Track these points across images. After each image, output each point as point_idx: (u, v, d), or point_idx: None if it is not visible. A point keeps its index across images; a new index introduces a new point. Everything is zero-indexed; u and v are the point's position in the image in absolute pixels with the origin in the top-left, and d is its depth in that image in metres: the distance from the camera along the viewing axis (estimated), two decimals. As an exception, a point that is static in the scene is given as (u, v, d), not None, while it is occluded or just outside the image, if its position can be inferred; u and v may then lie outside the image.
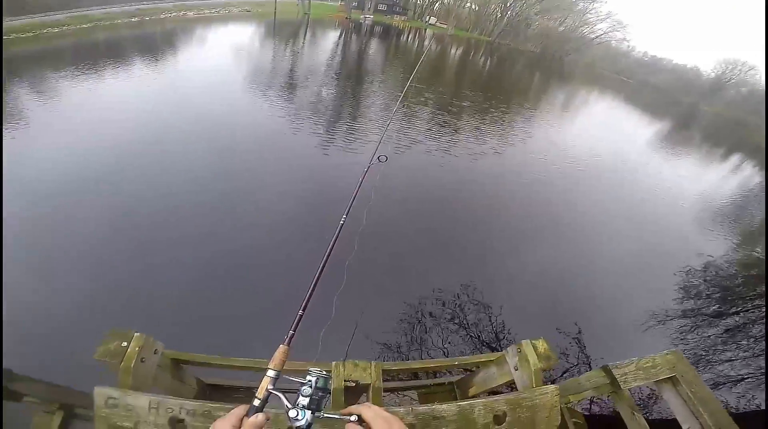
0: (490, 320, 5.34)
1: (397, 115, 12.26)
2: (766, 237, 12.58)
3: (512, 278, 6.43)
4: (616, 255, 8.04)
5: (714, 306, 7.61)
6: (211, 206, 6.47)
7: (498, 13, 73.71)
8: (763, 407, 5.18)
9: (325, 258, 1.49)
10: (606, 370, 2.83)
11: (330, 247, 1.56)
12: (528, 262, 6.93)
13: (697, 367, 5.77)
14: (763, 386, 5.67)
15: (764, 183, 20.14)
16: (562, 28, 74.88)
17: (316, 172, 8.19)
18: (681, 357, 3.00)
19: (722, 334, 6.82)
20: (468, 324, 5.18)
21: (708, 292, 7.96)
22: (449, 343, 4.87)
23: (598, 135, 17.99)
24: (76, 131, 8.41)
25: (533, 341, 2.63)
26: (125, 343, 1.98)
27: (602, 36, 75.95)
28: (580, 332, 5.43)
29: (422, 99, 14.70)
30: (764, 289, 8.87)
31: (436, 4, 74.45)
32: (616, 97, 43.40)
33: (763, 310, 8.18)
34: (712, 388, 5.17)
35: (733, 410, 5.09)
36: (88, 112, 9.69)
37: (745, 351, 6.52)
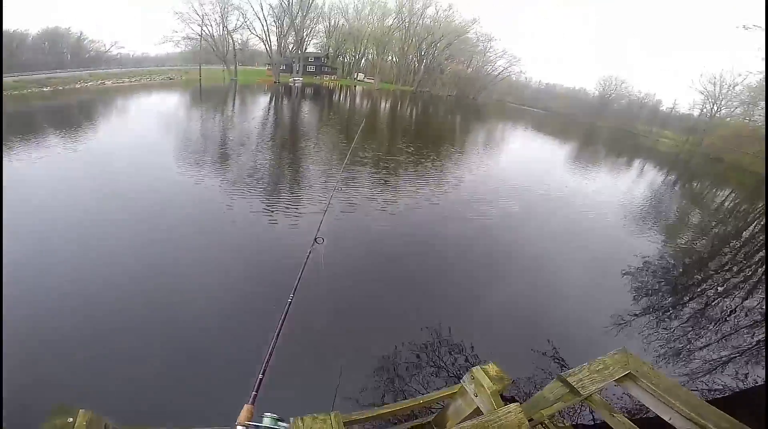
0: (456, 352, 5.48)
1: (337, 179, 12.32)
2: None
3: (472, 314, 6.60)
4: (565, 273, 8.50)
5: (668, 298, 8.25)
6: (150, 296, 5.93)
7: (416, 63, 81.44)
8: (732, 390, 5.61)
9: (276, 333, 1.73)
10: (561, 379, 3.02)
11: (279, 326, 1.86)
12: (485, 296, 7.11)
13: (663, 359, 6.13)
14: (729, 367, 6.18)
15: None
16: (470, 70, 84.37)
17: (262, 249, 7.75)
18: (629, 354, 3.21)
19: (684, 323, 7.32)
20: (439, 362, 5.27)
21: (656, 287, 8.62)
22: (421, 383, 4.89)
23: (522, 167, 19.61)
24: None
25: (483, 367, 2.78)
26: (71, 419, 1.93)
27: (503, 72, 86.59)
28: (547, 350, 5.71)
29: (358, 158, 15.09)
30: (701, 277, 10.11)
31: (362, 61, 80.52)
32: (527, 126, 48.19)
33: (713, 291, 9.21)
34: (686, 377, 5.73)
35: (708, 395, 5.44)
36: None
37: (708, 335, 7.08)
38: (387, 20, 72.31)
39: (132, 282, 6.19)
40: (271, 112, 29.26)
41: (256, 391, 1.50)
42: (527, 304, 7.07)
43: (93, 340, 4.97)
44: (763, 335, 7.43)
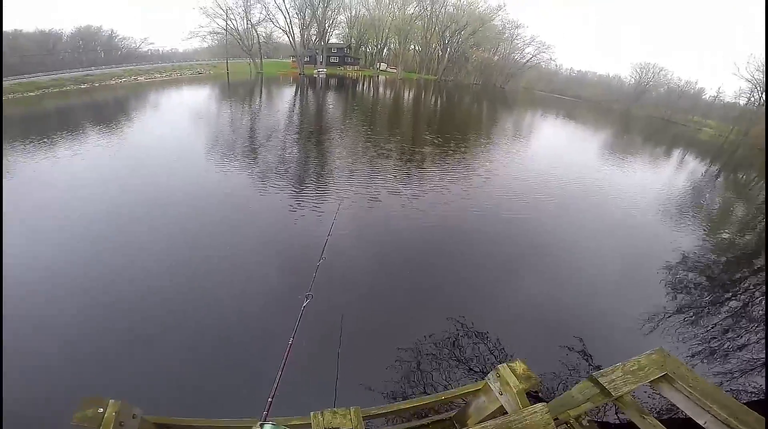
0: (481, 349, 5.36)
1: (364, 172, 12.31)
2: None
3: (502, 308, 6.47)
4: (599, 268, 8.18)
5: (706, 296, 7.79)
6: (184, 286, 6.17)
7: (439, 52, 79.73)
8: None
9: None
10: (593, 379, 2.90)
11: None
12: (515, 291, 6.96)
13: (698, 360, 5.80)
14: None
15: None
16: (496, 58, 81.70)
17: (287, 237, 7.95)
18: (666, 354, 3.07)
19: (723, 321, 6.92)
20: (463, 357, 5.17)
21: (695, 284, 8.15)
22: (445, 378, 4.82)
23: (555, 157, 18.64)
24: (34, 213, 8.08)
25: (510, 364, 2.68)
26: (101, 410, 2.01)
27: (532, 59, 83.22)
28: (576, 347, 5.49)
29: (384, 151, 14.84)
30: (752, 271, 9.51)
31: (384, 50, 79.79)
32: (557, 114, 46.44)
33: (758, 289, 8.56)
34: (721, 378, 5.42)
35: (745, 397, 5.10)
36: (41, 192, 9.29)
37: (748, 335, 6.65)
38: (408, 9, 70.95)
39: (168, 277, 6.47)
40: (297, 104, 29.56)
41: (267, 411, 1.62)
42: (559, 300, 6.85)
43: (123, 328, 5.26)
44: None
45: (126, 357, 4.75)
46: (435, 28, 73.32)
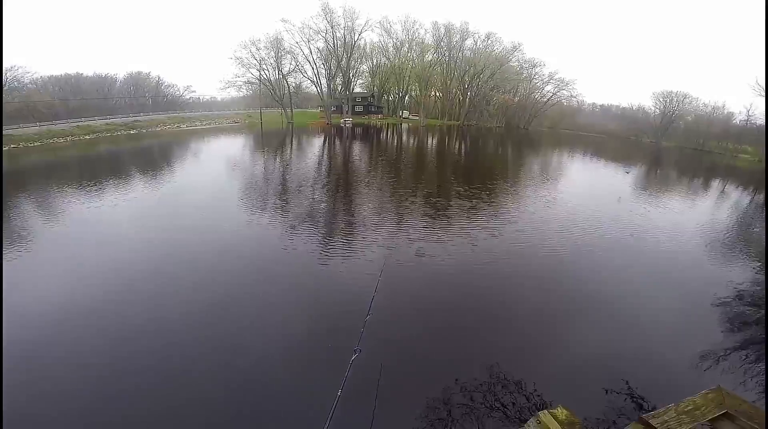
0: (521, 394, 4.99)
1: (389, 224, 12.05)
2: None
3: (542, 352, 6.15)
4: (648, 308, 7.72)
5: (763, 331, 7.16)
6: (217, 338, 6.09)
7: (460, 96, 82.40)
8: None
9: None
10: (643, 421, 2.63)
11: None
12: (557, 335, 6.67)
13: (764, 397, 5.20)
14: None
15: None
16: (517, 98, 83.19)
17: (321, 293, 7.74)
18: (725, 392, 2.80)
19: None
20: (500, 403, 4.82)
21: (753, 319, 7.54)
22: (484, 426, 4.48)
23: (587, 197, 18.01)
24: (75, 255, 8.65)
25: (551, 410, 2.48)
26: None
27: (552, 98, 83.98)
28: (624, 390, 5.04)
29: (410, 203, 14.59)
30: None
31: (406, 98, 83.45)
32: (585, 152, 45.88)
33: None
34: None
35: None
36: (88, 235, 10.07)
37: None
38: (427, 56, 74.72)
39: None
40: (326, 154, 30.46)
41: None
42: (607, 343, 6.46)
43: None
44: None
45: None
46: (454, 74, 76.48)
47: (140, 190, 15.31)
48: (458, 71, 76.23)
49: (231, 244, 9.83)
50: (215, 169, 21.07)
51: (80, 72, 63.29)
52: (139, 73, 70.18)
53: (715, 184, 29.44)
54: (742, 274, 9.84)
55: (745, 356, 6.12)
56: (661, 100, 79.64)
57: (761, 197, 25.44)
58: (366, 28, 60.38)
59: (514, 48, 76.56)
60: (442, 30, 71.92)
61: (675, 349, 6.25)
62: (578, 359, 5.91)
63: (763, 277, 10.01)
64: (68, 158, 25.17)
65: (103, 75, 65.20)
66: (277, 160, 25.69)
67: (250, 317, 6.60)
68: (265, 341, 6.02)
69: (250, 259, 8.96)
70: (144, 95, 69.24)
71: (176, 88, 75.77)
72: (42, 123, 36.98)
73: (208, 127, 52.10)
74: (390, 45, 72.53)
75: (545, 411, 2.61)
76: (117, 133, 40.62)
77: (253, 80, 57.20)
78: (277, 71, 58.43)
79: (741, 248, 12.46)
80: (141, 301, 6.90)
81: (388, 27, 69.80)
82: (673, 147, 68.43)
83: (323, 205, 14.16)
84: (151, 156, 27.69)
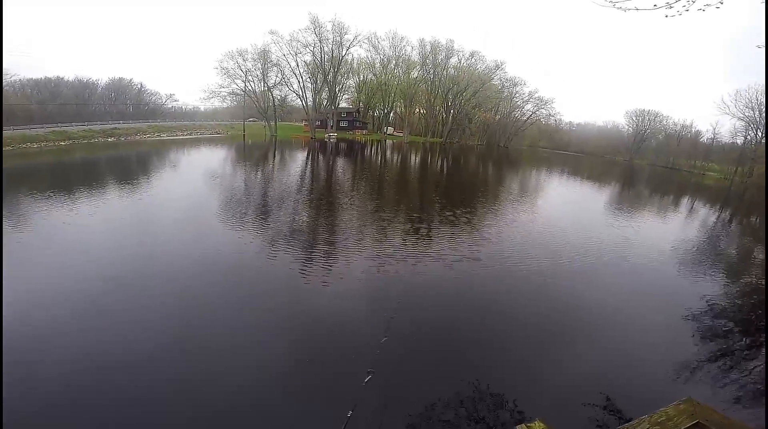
0: (500, 411, 4.97)
1: (371, 241, 11.57)
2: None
3: (521, 367, 6.15)
4: (621, 323, 7.81)
5: (737, 342, 7.38)
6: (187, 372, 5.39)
7: (443, 114, 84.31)
8: None
9: None
10: None
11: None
12: (534, 350, 6.62)
13: (739, 406, 5.39)
14: None
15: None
16: (498, 117, 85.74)
17: (305, 313, 7.22)
18: (695, 402, 2.87)
19: (760, 365, 6.51)
20: (484, 419, 4.78)
21: (724, 330, 7.76)
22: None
23: (565, 217, 18.03)
24: (41, 270, 8.08)
25: (528, 424, 2.49)
26: None
27: (531, 116, 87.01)
28: (602, 402, 5.08)
29: (389, 224, 13.83)
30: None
31: (391, 114, 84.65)
32: (562, 171, 46.91)
33: None
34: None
35: None
36: (55, 246, 9.50)
37: None
38: (413, 73, 76.40)
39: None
40: (309, 169, 29.88)
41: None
42: (581, 357, 6.47)
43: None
44: None
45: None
46: (438, 91, 78.35)
47: (111, 202, 14.70)
48: (442, 89, 78.16)
49: (209, 259, 9.50)
50: (194, 181, 20.56)
51: (60, 76, 61.80)
52: (122, 79, 69.18)
53: (685, 201, 30.82)
54: (711, 287, 10.22)
55: (715, 367, 6.24)
56: (633, 118, 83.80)
57: (726, 215, 26.81)
58: (354, 43, 61.38)
59: (497, 66, 79.47)
60: (428, 47, 74.21)
61: (649, 361, 6.34)
62: (558, 373, 5.95)
63: (731, 290, 10.42)
64: (38, 165, 24.22)
65: (85, 80, 63.84)
66: (259, 173, 25.23)
67: (230, 340, 6.29)
68: (246, 367, 5.69)
69: (228, 276, 8.63)
70: (125, 102, 68.03)
71: (159, 96, 74.93)
72: (16, 127, 35.66)
73: (189, 137, 51.29)
74: (377, 61, 74.20)
75: (523, 425, 2.60)
76: (94, 140, 39.55)
77: (238, 91, 57.10)
78: (262, 83, 58.61)
79: (710, 263, 12.97)
80: (109, 321, 6.49)
81: (376, 43, 71.45)
82: (645, 165, 71.67)
83: (305, 221, 13.79)
84: (127, 166, 26.92)
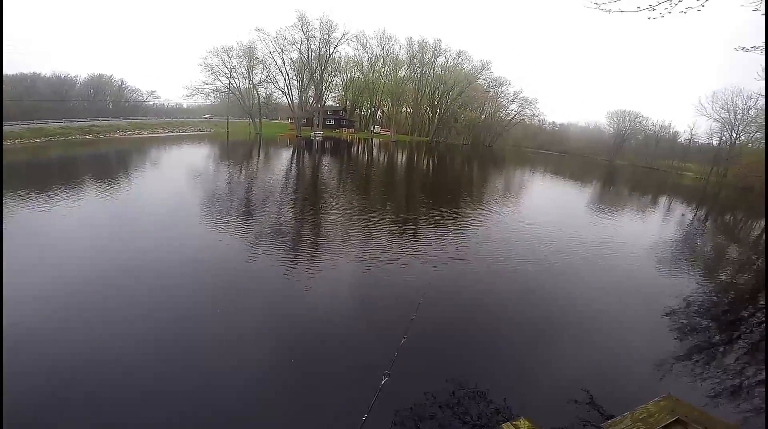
0: (487, 408, 5.02)
1: (358, 241, 11.58)
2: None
3: (507, 365, 6.22)
4: (602, 320, 7.96)
5: (713, 338, 7.62)
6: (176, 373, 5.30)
7: (430, 113, 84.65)
8: None
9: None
10: None
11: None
12: (519, 348, 6.73)
13: (716, 401, 5.52)
14: None
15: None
16: (483, 117, 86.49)
17: (294, 313, 7.21)
18: (675, 399, 2.97)
19: (735, 361, 6.74)
20: (471, 416, 4.81)
21: (700, 327, 8.01)
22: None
23: (549, 217, 18.00)
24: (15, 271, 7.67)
25: (514, 422, 2.54)
26: None
27: (516, 116, 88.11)
28: (585, 399, 5.18)
29: (379, 223, 13.79)
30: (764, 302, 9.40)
31: (378, 113, 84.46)
32: (545, 170, 47.74)
33: (762, 326, 8.47)
34: (744, 416, 5.10)
35: None
36: (27, 248, 9.07)
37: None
38: (400, 72, 76.36)
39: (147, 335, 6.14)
40: (294, 168, 29.44)
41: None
42: (565, 354, 6.59)
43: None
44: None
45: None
46: (425, 90, 78.58)
47: (90, 201, 14.19)
48: (429, 88, 78.41)
49: (193, 260, 9.29)
50: (175, 180, 20.01)
51: (37, 72, 59.37)
52: (101, 75, 66.86)
53: (663, 201, 31.79)
54: (687, 285, 10.56)
55: (692, 363, 6.45)
56: (615, 119, 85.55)
57: (702, 213, 27.78)
58: (342, 41, 60.72)
59: (483, 66, 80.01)
60: (416, 47, 74.18)
61: (630, 358, 6.51)
62: (544, 371, 6.05)
63: (707, 287, 10.80)
64: (17, 163, 23.24)
65: (62, 76, 61.48)
66: (243, 172, 24.72)
67: (223, 342, 6.18)
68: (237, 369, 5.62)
69: (214, 278, 8.47)
70: (104, 99, 65.83)
71: (139, 93, 72.68)
72: (-8, 122, 33.95)
73: (171, 134, 50.03)
74: (365, 59, 73.72)
75: (509, 423, 2.66)
76: (72, 137, 38.14)
77: (222, 88, 55.92)
78: (247, 80, 57.58)
79: (686, 261, 13.42)
80: (90, 324, 6.28)
81: (365, 41, 70.98)
82: (625, 165, 73.52)
83: (290, 221, 13.56)
84: (106, 164, 26.08)
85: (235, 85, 56.09)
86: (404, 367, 5.68)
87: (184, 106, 77.63)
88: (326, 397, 5.10)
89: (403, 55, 75.15)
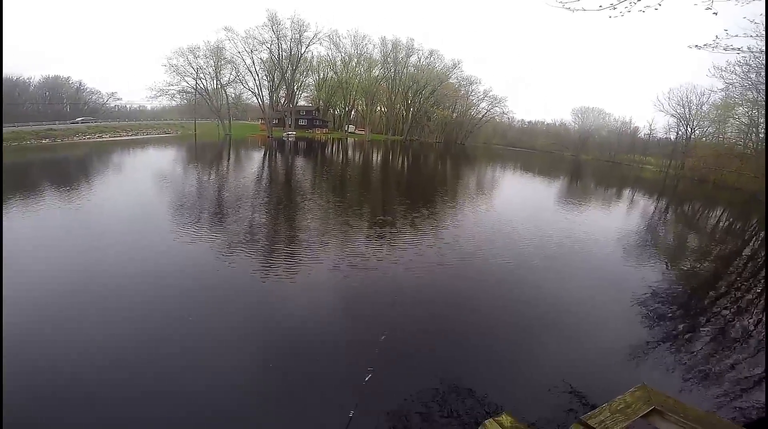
0: (471, 403, 5.02)
1: (334, 242, 11.39)
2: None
3: (482, 362, 6.24)
4: (575, 310, 8.14)
5: (681, 325, 7.91)
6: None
7: (403, 112, 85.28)
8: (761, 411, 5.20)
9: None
10: (582, 423, 2.74)
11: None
12: (499, 342, 6.77)
13: (689, 388, 5.72)
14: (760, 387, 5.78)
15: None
16: (455, 115, 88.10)
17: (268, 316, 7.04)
18: (649, 389, 3.04)
19: (703, 347, 6.99)
20: (456, 411, 4.80)
21: (669, 315, 8.28)
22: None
23: (518, 211, 18.68)
24: None
25: (496, 418, 2.53)
26: None
27: (486, 114, 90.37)
28: (566, 389, 5.26)
29: (355, 223, 13.69)
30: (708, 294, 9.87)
31: (352, 112, 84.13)
32: (515, 167, 49.06)
33: (729, 310, 9.00)
34: (716, 402, 5.29)
35: (744, 420, 5.03)
36: None
37: (734, 355, 6.76)
38: (374, 71, 76.48)
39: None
40: (266, 170, 28.65)
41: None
42: (544, 346, 6.68)
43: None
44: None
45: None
46: (398, 89, 79.11)
47: (47, 209, 13.24)
48: (403, 87, 79.01)
49: (159, 269, 8.77)
50: (140, 186, 19.00)
51: (-17, 74, 54.94)
52: (57, 77, 62.95)
53: (626, 193, 33.40)
54: (653, 274, 11.02)
55: (662, 351, 6.66)
56: (579, 115, 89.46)
57: (663, 204, 29.40)
58: (315, 40, 59.99)
59: (454, 65, 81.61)
60: (390, 46, 74.69)
61: (605, 349, 6.66)
62: (525, 364, 6.11)
63: (671, 275, 11.35)
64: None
65: (14, 78, 57.26)
66: (212, 175, 23.71)
67: (197, 350, 5.85)
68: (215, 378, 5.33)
69: (183, 285, 8.06)
70: (61, 102, 61.97)
71: (100, 95, 68.93)
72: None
73: (134, 137, 47.71)
74: (338, 59, 73.25)
75: (491, 419, 2.63)
76: (26, 142, 35.55)
77: (189, 89, 53.94)
78: (215, 81, 55.85)
79: (650, 251, 14.05)
80: (55, 336, 5.80)
81: (338, 41, 70.57)
82: (590, 160, 76.84)
83: (263, 225, 13.09)
84: (64, 169, 24.49)
85: (202, 85, 54.31)
86: (387, 365, 5.67)
87: (148, 108, 74.32)
88: (311, 397, 4.93)
89: (376, 54, 75.52)
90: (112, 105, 71.16)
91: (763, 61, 30.36)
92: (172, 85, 52.10)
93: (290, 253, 10.27)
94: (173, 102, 58.41)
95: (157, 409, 4.59)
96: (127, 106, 75.11)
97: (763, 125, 43.31)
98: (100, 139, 42.81)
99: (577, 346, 6.73)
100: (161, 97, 53.32)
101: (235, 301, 7.43)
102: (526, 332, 7.09)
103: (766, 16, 4.69)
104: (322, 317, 7.05)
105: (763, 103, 39.29)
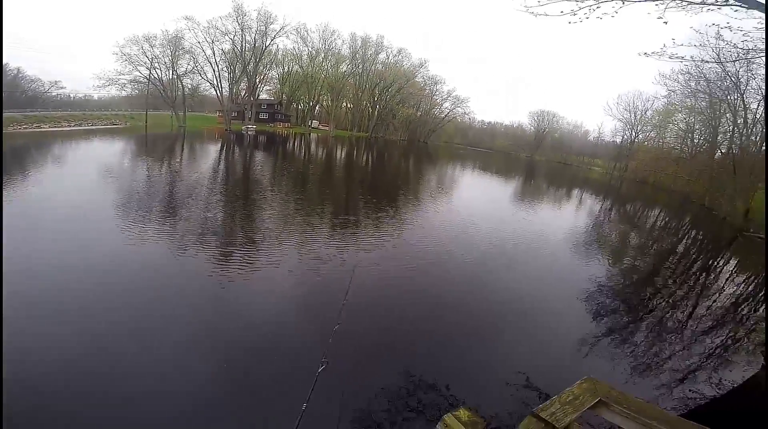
0: (434, 397, 5.18)
1: (294, 238, 11.50)
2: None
3: (439, 357, 6.42)
4: (525, 305, 8.53)
5: (625, 317, 8.56)
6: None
7: (369, 109, 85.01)
8: (709, 398, 5.78)
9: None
10: (535, 415, 2.93)
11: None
12: (450, 337, 6.92)
13: (633, 379, 6.14)
14: (701, 375, 6.40)
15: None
16: (419, 113, 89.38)
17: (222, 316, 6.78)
18: (595, 381, 3.25)
19: (644, 339, 7.55)
20: (421, 405, 4.93)
21: (612, 309, 8.93)
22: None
23: (475, 209, 19.23)
24: None
25: (454, 413, 2.64)
26: None
27: (449, 114, 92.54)
28: (522, 381, 5.53)
29: (315, 219, 13.53)
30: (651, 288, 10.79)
31: (317, 108, 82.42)
32: (474, 166, 50.61)
33: (665, 303, 9.80)
34: (663, 389, 5.79)
35: (682, 409, 5.47)
36: None
37: (671, 347, 7.37)
38: (341, 67, 75.48)
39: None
40: (222, 163, 27.42)
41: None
42: (498, 339, 7.00)
43: None
44: (721, 338, 8.17)
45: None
46: (365, 86, 78.63)
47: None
48: (370, 84, 78.61)
49: (102, 269, 8.08)
50: (83, 178, 17.30)
51: None
52: (-10, 63, 55.70)
53: (575, 193, 35.67)
54: (599, 269, 11.88)
55: (607, 343, 7.21)
56: (535, 118, 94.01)
57: (608, 203, 31.77)
58: (281, 33, 57.73)
59: (421, 64, 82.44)
60: (359, 42, 73.75)
61: (554, 344, 7.05)
62: (483, 358, 6.36)
63: (614, 271, 12.28)
64: None
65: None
66: (162, 168, 22.14)
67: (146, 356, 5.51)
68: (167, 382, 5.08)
69: (132, 286, 7.53)
70: (-5, 89, 55.06)
71: (41, 83, 62.17)
72: None
73: (78, 128, 43.61)
74: (305, 53, 71.30)
75: (450, 414, 2.74)
76: (-49, 133, 31.24)
77: (141, 79, 50.29)
78: (171, 71, 52.50)
79: (596, 248, 15.15)
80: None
81: (305, 35, 68.53)
82: (544, 161, 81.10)
83: (217, 222, 12.42)
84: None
85: (156, 75, 50.86)
86: (341, 357, 5.66)
87: (95, 97, 68.13)
88: (264, 391, 4.93)
89: (345, 50, 74.48)
90: (55, 93, 64.56)
91: (703, 70, 33.45)
92: (123, 74, 48.46)
93: (243, 254, 9.84)
94: (123, 92, 54.33)
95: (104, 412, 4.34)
96: (71, 96, 68.41)
97: (697, 131, 47.81)
98: (39, 130, 38.73)
99: (531, 340, 7.14)
100: (110, 87, 49.41)
101: (181, 304, 7.08)
102: (486, 329, 7.41)
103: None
104: (274, 316, 6.94)
105: (699, 110, 43.03)
